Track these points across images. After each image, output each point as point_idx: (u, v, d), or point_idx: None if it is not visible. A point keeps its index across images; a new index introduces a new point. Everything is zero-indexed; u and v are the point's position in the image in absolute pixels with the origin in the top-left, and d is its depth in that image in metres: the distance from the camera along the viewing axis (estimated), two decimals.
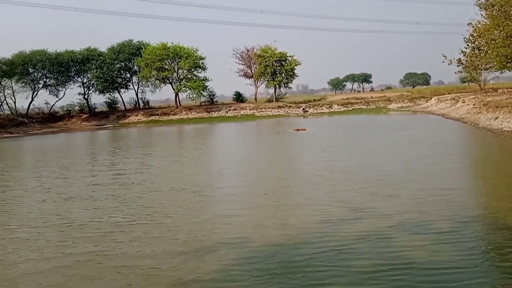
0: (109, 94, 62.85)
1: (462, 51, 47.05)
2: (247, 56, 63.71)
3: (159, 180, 14.05)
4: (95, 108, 64.07)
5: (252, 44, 74.87)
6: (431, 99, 52.21)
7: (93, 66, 58.53)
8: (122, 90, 63.85)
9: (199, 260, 6.81)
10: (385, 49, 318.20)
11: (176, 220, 9.15)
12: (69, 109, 62.10)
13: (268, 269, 6.33)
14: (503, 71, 39.80)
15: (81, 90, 61.52)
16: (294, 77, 62.95)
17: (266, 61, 60.12)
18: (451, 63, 48.43)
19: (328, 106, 58.10)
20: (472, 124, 27.92)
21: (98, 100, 67.14)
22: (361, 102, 58.92)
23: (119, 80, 61.96)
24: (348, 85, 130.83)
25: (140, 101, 64.57)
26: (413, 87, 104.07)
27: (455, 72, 56.14)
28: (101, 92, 61.27)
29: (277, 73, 61.47)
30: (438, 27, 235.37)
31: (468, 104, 36.43)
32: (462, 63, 48.37)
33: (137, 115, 57.66)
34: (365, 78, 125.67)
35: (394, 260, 6.42)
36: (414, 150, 17.73)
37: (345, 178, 12.54)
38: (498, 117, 26.15)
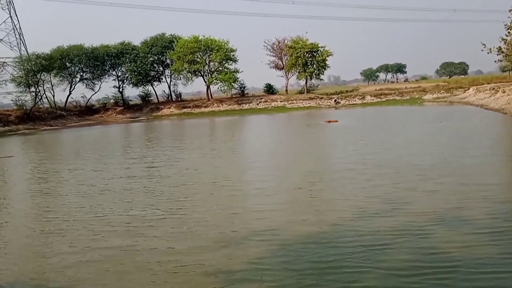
0: (143, 87, 64.20)
1: (503, 39, 44.85)
2: (278, 47, 63.31)
3: (189, 174, 14.06)
4: (130, 101, 65.55)
5: (283, 36, 74.28)
6: (469, 89, 50.13)
7: (127, 59, 59.79)
8: (155, 83, 65.15)
9: (228, 257, 6.73)
10: (420, 38, 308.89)
11: (205, 215, 9.09)
12: (105, 102, 63.76)
13: (299, 268, 6.20)
14: None
15: (116, 83, 63.23)
16: (326, 68, 62.11)
17: (297, 53, 59.51)
18: (490, 51, 46.25)
19: (360, 97, 56.96)
20: None
21: (132, 93, 68.97)
22: (394, 93, 57.47)
23: (152, 73, 63.00)
24: (382, 75, 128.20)
25: (172, 93, 65.56)
26: (450, 77, 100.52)
27: (495, 61, 53.61)
28: (135, 85, 62.63)
29: (309, 64, 60.72)
30: (476, 14, 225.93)
31: (508, 95, 34.73)
32: (502, 52, 46.09)
33: (169, 108, 58.49)
34: (399, 68, 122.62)
35: (433, 261, 6.14)
36: (452, 143, 17.05)
37: (380, 172, 12.12)
38: None
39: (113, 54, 59.81)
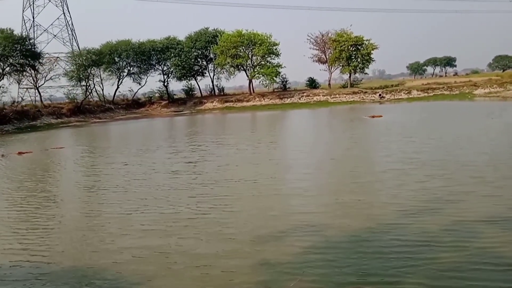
0: (187, 81, 65.41)
1: None
2: (321, 41, 62.52)
3: (228, 170, 13.73)
4: (174, 95, 67.01)
5: (327, 29, 73.24)
6: None
7: (172, 54, 61.06)
8: (198, 78, 66.21)
9: (260, 264, 6.39)
10: (472, 30, 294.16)
11: (241, 216, 8.75)
12: (150, 96, 65.57)
13: (342, 265, 6.19)
14: None
15: (161, 77, 64.74)
16: (371, 61, 60.72)
17: (341, 46, 58.55)
18: None
19: (406, 91, 55.23)
20: None
21: (176, 87, 70.40)
22: (443, 87, 55.24)
23: (196, 67, 64.08)
24: (429, 69, 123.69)
25: (215, 88, 66.41)
26: (504, 70, 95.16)
27: None
28: (179, 79, 63.94)
29: (353, 58, 59.59)
30: None
31: None
32: None
33: (212, 102, 59.35)
34: (448, 62, 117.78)
35: (482, 261, 5.97)
36: (506, 141, 16.21)
37: (427, 172, 11.63)
38: None
39: (159, 49, 61.28)
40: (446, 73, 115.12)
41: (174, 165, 15.45)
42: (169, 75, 64.34)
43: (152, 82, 72.78)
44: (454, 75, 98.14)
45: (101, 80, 61.50)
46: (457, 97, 48.89)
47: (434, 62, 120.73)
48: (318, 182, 11.65)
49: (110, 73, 61.73)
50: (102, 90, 62.60)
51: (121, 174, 14.31)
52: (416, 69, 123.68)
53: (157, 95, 65.60)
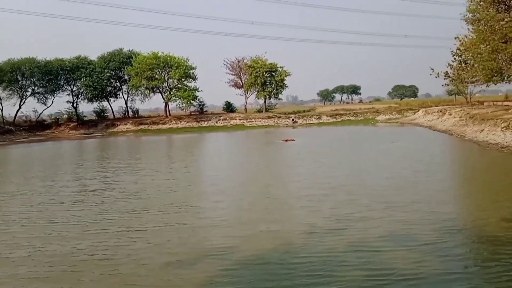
0: (98, 103, 62.72)
1: (449, 65, 47.81)
2: (237, 66, 64.16)
3: (138, 199, 12.51)
4: (84, 116, 63.68)
5: (243, 55, 75.31)
6: (418, 111, 52.90)
7: (82, 74, 58.25)
8: (111, 99, 63.95)
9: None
10: (374, 62, 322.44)
11: (151, 248, 8.13)
12: (57, 117, 61.62)
13: (258, 279, 6.35)
14: (489, 84, 40.49)
15: (70, 98, 61.26)
16: (284, 88, 63.53)
17: (256, 72, 60.53)
18: (438, 76, 49.12)
19: (317, 117, 58.56)
20: (458, 136, 28.33)
21: (87, 108, 67.01)
22: (349, 113, 59.53)
23: (109, 88, 61.88)
24: (337, 96, 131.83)
25: (129, 110, 64.48)
26: (401, 99, 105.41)
27: (442, 85, 57.09)
28: (90, 100, 61.14)
29: (267, 83, 61.88)
30: (426, 40, 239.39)
31: (454, 117, 36.98)
32: (449, 76, 49.10)
33: (126, 124, 57.39)
34: (354, 90, 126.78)
35: (381, 272, 6.51)
36: (402, 163, 17.91)
37: (334, 193, 12.57)
38: (483, 129, 26.58)
39: (68, 68, 58.18)
40: (352, 100, 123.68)
41: (75, 194, 13.90)
42: (79, 95, 61.24)
43: (60, 103, 68.36)
44: (359, 102, 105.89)
45: (0, 99, 56.55)
46: (362, 122, 52.90)
47: (341, 89, 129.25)
48: (230, 211, 10.99)
49: (11, 92, 57.04)
50: (1, 110, 57.52)
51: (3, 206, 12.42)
52: (326, 95, 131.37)
53: (65, 116, 61.84)
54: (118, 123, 58.54)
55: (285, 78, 62.19)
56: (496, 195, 11.11)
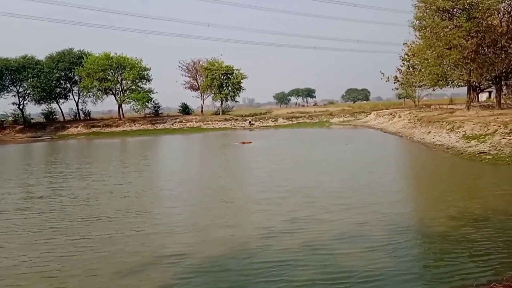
0: (47, 105, 59.91)
1: (398, 69, 50.11)
2: (193, 68, 63.54)
3: (88, 206, 11.94)
4: (31, 119, 60.47)
5: (199, 57, 74.80)
6: (370, 114, 54.73)
7: (29, 74, 55.34)
8: (61, 101, 61.18)
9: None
10: (328, 66, 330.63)
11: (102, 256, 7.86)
12: (2, 119, 58.22)
13: (214, 281, 6.22)
14: (435, 88, 42.63)
15: (16, 99, 58.02)
16: (241, 90, 63.53)
17: (212, 74, 60.21)
18: (388, 80, 51.39)
19: (273, 119, 59.08)
20: (407, 138, 29.51)
21: (35, 110, 63.88)
22: (305, 116, 60.52)
23: (58, 90, 59.30)
24: (293, 99, 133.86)
25: (80, 112, 62.15)
26: (354, 102, 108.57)
27: (392, 89, 59.50)
28: (38, 102, 58.28)
29: (224, 86, 61.71)
30: (377, 46, 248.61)
31: (403, 119, 38.54)
32: (398, 80, 51.38)
33: (77, 127, 55.18)
34: (309, 93, 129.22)
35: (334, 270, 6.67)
36: (356, 165, 18.41)
37: (293, 194, 12.71)
38: (430, 131, 27.87)
39: (14, 68, 55.06)
40: (307, 103, 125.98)
41: (19, 201, 13.06)
42: (26, 97, 58.17)
43: (4, 105, 64.71)
44: (314, 105, 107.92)
45: None
46: (317, 124, 53.93)
47: (297, 92, 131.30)
48: (185, 216, 10.68)
49: None
50: None
51: None
52: (282, 98, 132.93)
53: (10, 119, 58.55)
54: (69, 125, 56.17)
55: (241, 80, 62.29)
56: (444, 195, 11.61)
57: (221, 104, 64.76)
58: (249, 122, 56.90)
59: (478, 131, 22.11)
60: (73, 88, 61.09)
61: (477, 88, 42.23)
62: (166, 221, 10.21)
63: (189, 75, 64.28)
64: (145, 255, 7.82)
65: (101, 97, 59.76)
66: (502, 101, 35.83)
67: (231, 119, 58.54)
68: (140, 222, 10.21)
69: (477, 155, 18.41)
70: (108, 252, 8.07)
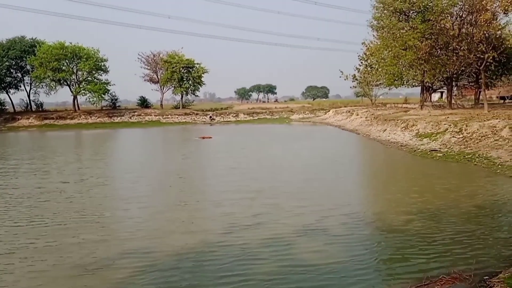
0: None
1: (357, 68, 51.35)
2: (153, 61, 62.25)
3: (38, 207, 10.87)
4: None
5: (159, 49, 73.26)
6: (329, 111, 55.84)
7: None
8: (11, 91, 58.11)
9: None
10: (290, 63, 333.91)
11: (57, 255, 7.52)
12: None
13: (173, 281, 6.22)
14: (391, 87, 44.06)
15: None
16: (201, 84, 62.95)
17: (173, 67, 59.22)
18: (347, 78, 52.53)
19: (234, 114, 59.02)
20: (364, 136, 30.36)
21: None
22: (266, 112, 60.90)
23: (8, 79, 56.33)
24: (254, 95, 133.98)
25: (32, 103, 59.32)
26: (314, 99, 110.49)
27: (350, 87, 60.96)
28: None
29: (184, 79, 60.90)
30: (337, 44, 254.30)
31: (361, 117, 39.61)
32: (356, 79, 52.66)
33: (28, 119, 52.63)
34: (270, 89, 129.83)
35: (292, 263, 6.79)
36: (315, 161, 18.77)
37: (251, 190, 12.79)
38: (386, 129, 28.80)
39: None
40: (268, 99, 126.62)
41: None
42: None
43: None
44: (275, 101, 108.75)
45: None
46: (277, 121, 54.39)
47: (258, 88, 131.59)
48: (140, 220, 9.64)
49: None
50: None
51: None
52: (243, 94, 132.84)
53: None
54: (19, 117, 53.48)
55: (202, 74, 61.67)
56: (398, 191, 12.02)
57: (181, 98, 63.93)
58: (210, 117, 56.50)
59: (430, 130, 23.09)
60: (24, 78, 58.30)
61: (430, 89, 44.11)
62: (119, 226, 9.27)
63: (148, 68, 63.05)
64: (95, 267, 6.93)
65: (55, 88, 57.36)
66: (453, 101, 37.63)
67: (191, 113, 57.89)
68: (90, 227, 9.11)
69: (429, 153, 19.22)
70: (53, 264, 7.13)
